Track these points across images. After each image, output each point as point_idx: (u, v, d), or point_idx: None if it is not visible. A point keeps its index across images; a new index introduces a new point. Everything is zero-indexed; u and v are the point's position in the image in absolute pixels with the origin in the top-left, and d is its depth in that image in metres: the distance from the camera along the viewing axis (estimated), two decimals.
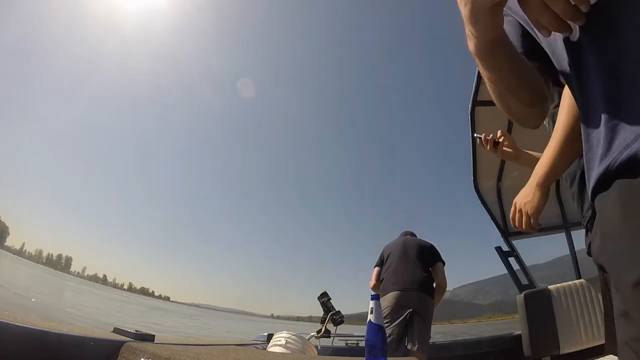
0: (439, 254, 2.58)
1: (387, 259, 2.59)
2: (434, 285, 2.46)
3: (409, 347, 2.20)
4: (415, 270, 2.39)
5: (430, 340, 2.39)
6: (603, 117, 0.39)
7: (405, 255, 2.49)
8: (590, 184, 0.42)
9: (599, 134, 0.40)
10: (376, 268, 2.65)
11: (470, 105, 2.24)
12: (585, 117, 0.43)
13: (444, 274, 2.49)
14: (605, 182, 0.39)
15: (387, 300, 2.32)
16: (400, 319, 2.25)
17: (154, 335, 1.10)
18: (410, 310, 2.25)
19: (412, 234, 2.83)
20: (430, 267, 2.49)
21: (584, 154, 0.43)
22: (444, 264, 2.53)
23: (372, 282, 2.60)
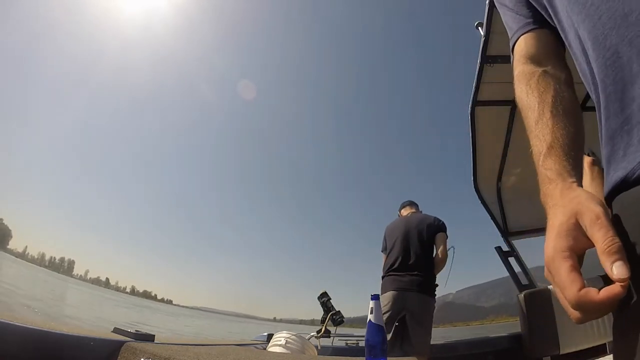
0: (441, 226, 2.47)
1: (390, 248, 2.49)
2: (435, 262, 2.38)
3: (406, 348, 2.18)
4: (415, 268, 2.31)
5: (431, 341, 2.37)
6: (623, 112, 0.38)
7: (405, 246, 2.40)
8: (607, 187, 0.41)
9: (619, 134, 0.39)
10: (383, 253, 2.58)
11: (470, 105, 2.24)
12: (605, 108, 0.41)
13: (444, 245, 2.38)
14: (623, 188, 0.39)
15: (385, 299, 2.28)
16: (397, 320, 2.21)
17: (154, 335, 1.10)
18: (405, 312, 2.21)
19: (412, 205, 2.71)
20: (432, 248, 2.41)
21: (602, 151, 0.42)
22: (447, 236, 2.43)
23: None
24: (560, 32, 0.50)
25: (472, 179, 2.77)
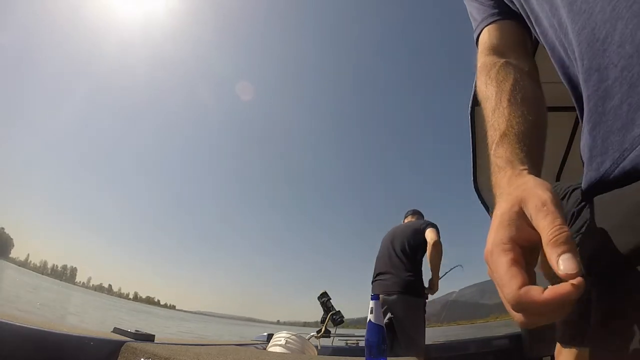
0: (428, 224, 2.44)
1: (377, 255, 2.51)
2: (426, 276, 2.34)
3: (397, 350, 2.16)
4: (398, 270, 2.30)
5: (430, 341, 2.36)
6: (597, 108, 0.36)
7: (390, 251, 2.40)
8: (585, 183, 0.39)
9: (595, 129, 0.36)
10: None
11: (470, 105, 2.23)
12: (582, 102, 0.39)
13: (432, 233, 2.34)
14: (599, 189, 0.37)
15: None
16: (386, 323, 2.18)
17: (153, 335, 1.10)
18: (392, 316, 2.19)
19: (414, 214, 2.71)
20: (421, 250, 2.38)
21: (582, 146, 0.40)
22: (435, 229, 2.38)
23: None
24: (533, 20, 0.47)
25: (471, 179, 2.77)
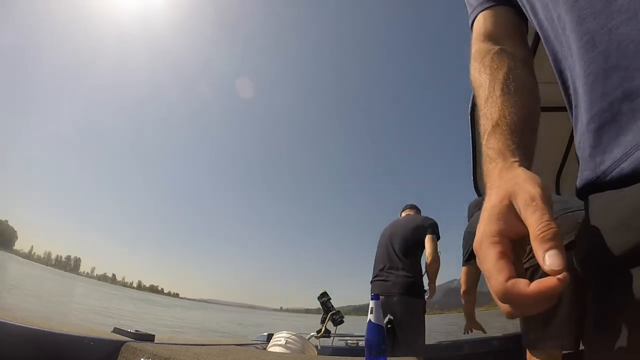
0: (428, 226, 2.37)
1: (376, 254, 2.48)
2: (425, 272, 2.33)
3: (396, 352, 2.15)
4: (398, 270, 2.28)
5: (431, 341, 2.35)
6: (592, 109, 0.35)
7: (389, 250, 2.37)
8: (579, 183, 0.39)
9: (590, 132, 0.36)
10: None
11: (470, 105, 2.23)
12: (574, 102, 0.39)
13: (431, 247, 2.29)
14: (595, 188, 0.36)
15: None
16: (386, 324, 2.18)
17: (153, 335, 1.10)
18: (391, 317, 2.17)
19: (412, 208, 2.68)
20: (421, 248, 2.35)
21: (577, 143, 0.39)
22: (435, 235, 2.33)
23: None
24: (529, 9, 0.47)
25: (472, 178, 2.77)
